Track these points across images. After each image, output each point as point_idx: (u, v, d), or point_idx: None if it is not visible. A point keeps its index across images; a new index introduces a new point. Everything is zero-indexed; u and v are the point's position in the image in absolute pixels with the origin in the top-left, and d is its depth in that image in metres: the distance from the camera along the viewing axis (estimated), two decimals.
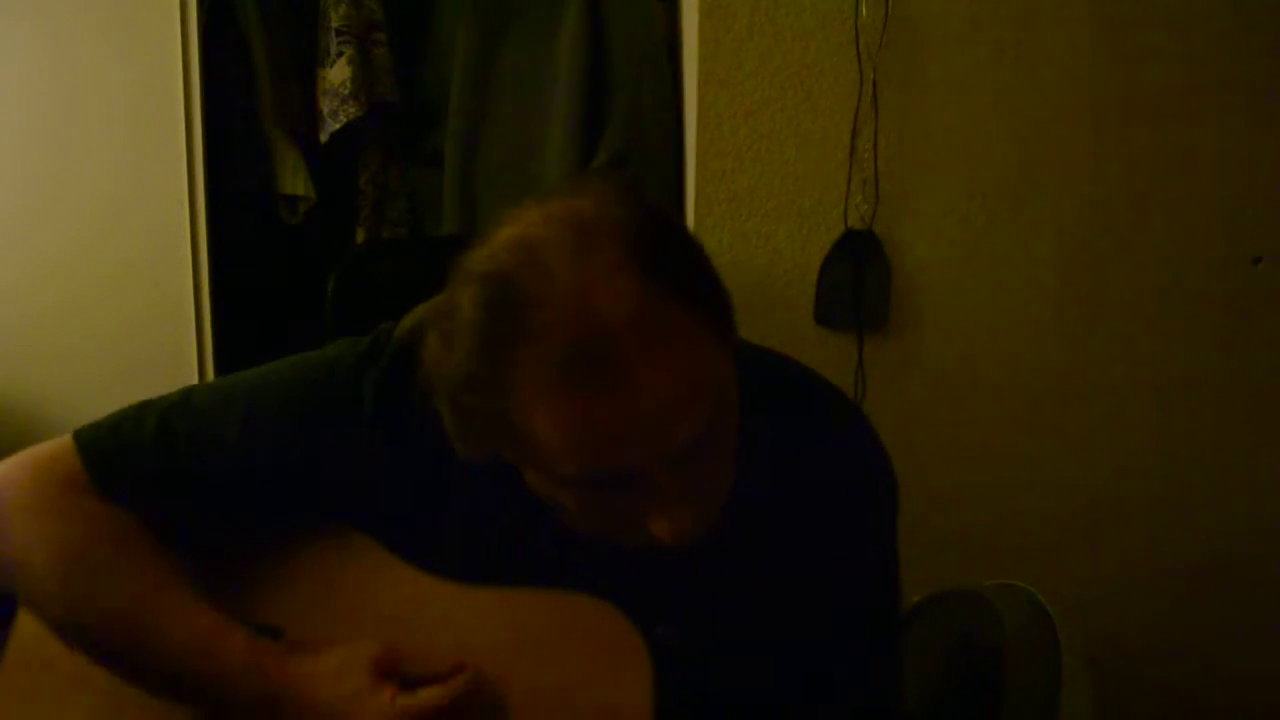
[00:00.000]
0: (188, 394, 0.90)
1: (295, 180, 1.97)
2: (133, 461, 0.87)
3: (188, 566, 0.88)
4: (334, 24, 1.92)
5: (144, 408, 0.89)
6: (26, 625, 0.89)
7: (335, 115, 1.93)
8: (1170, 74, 1.74)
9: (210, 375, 1.83)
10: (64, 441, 0.88)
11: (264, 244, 2.00)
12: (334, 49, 1.92)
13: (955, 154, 1.74)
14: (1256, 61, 1.73)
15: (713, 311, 0.73)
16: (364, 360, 0.87)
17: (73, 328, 1.83)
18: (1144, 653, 1.85)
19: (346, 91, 1.92)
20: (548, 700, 0.83)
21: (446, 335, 0.72)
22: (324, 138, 1.95)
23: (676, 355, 0.69)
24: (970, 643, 1.31)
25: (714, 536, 0.80)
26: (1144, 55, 1.73)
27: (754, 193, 1.73)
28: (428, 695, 0.80)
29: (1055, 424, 1.82)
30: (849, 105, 1.71)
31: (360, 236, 2.08)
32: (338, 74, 1.92)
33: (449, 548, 0.87)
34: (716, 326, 0.72)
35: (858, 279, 1.74)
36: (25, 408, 1.84)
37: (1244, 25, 1.72)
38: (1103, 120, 1.74)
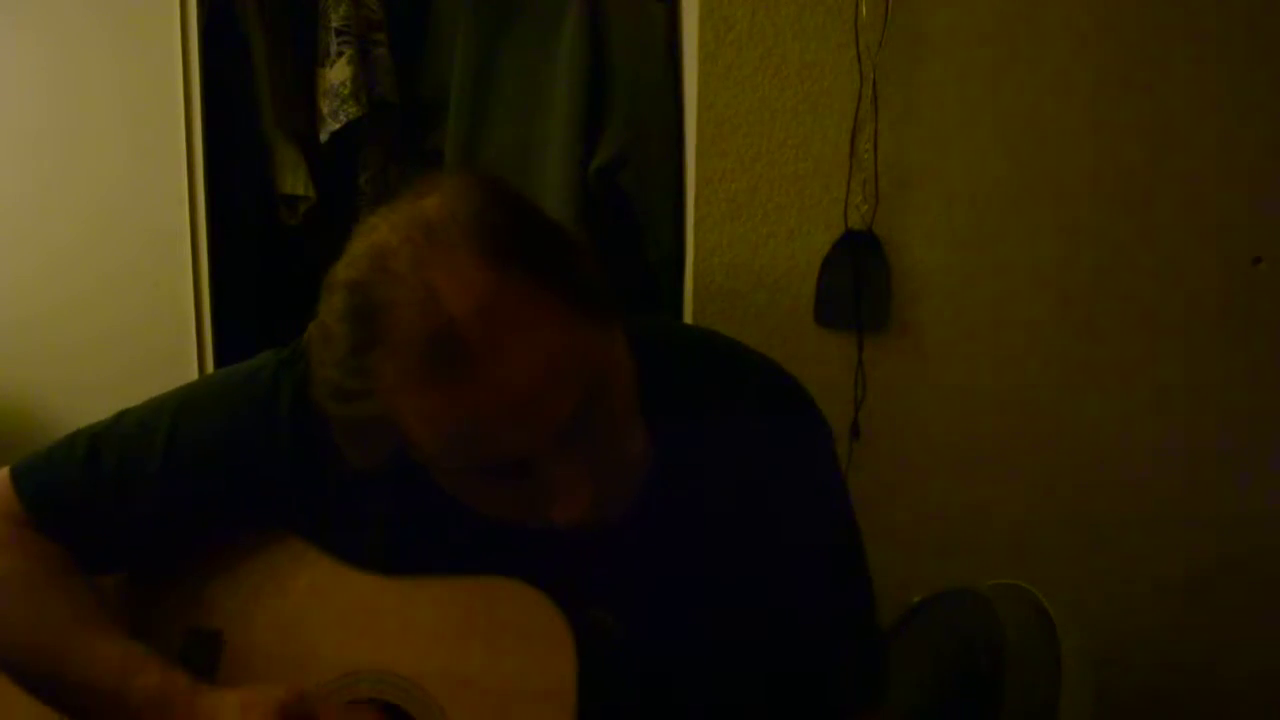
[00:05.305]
0: (119, 417, 0.92)
1: (295, 180, 1.97)
2: (64, 495, 0.89)
3: (128, 575, 0.91)
4: (334, 24, 1.92)
5: (77, 435, 0.91)
6: None
7: (335, 115, 1.93)
8: (1170, 73, 1.74)
9: None
10: (3, 474, 0.91)
11: (264, 244, 2.00)
12: (334, 49, 1.92)
13: (955, 154, 1.74)
14: (1256, 62, 1.73)
15: (579, 293, 0.72)
16: (284, 365, 0.89)
17: (73, 328, 1.82)
18: (1145, 652, 1.85)
19: (346, 91, 1.92)
20: (473, 686, 0.84)
21: (317, 347, 0.74)
22: (324, 138, 1.95)
23: (532, 340, 0.70)
24: (970, 643, 1.31)
25: (644, 514, 0.81)
26: (1144, 55, 1.73)
27: (754, 193, 1.73)
28: None
29: (1055, 424, 1.82)
30: (849, 105, 1.71)
31: None
32: (338, 74, 1.92)
33: (376, 541, 0.88)
34: (586, 308, 0.73)
35: (858, 279, 1.74)
36: (25, 408, 1.83)
37: (1243, 25, 1.72)
38: (1103, 119, 1.75)
